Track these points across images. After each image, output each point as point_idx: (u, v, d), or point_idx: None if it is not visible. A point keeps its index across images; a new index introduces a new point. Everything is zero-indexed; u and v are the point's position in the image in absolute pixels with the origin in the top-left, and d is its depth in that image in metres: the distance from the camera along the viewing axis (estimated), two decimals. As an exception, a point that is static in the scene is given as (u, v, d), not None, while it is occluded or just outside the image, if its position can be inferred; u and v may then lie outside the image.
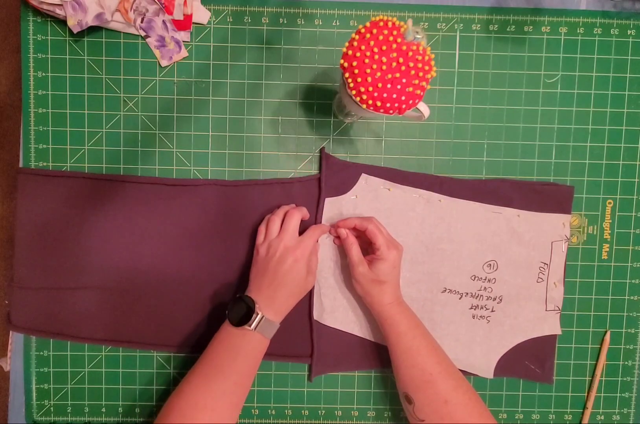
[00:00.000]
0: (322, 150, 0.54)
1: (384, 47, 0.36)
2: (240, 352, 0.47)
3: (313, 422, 0.57)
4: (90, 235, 0.54)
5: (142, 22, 0.52)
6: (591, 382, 0.57)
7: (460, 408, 0.45)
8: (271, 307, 0.48)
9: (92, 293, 0.54)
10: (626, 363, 0.57)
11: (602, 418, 0.57)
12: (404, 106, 0.39)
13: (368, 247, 0.52)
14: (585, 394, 0.57)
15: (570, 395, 0.57)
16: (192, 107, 0.54)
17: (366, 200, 0.55)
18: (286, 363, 0.56)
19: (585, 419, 0.57)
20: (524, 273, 0.55)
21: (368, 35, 0.37)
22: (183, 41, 0.53)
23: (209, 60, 0.54)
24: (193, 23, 0.53)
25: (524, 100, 0.55)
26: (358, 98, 0.38)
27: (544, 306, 0.55)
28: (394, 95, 0.37)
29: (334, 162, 0.54)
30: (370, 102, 0.38)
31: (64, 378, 0.55)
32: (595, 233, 0.57)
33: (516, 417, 0.57)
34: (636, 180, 0.56)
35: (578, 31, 0.55)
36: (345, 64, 0.38)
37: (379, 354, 0.55)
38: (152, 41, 0.53)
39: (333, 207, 0.54)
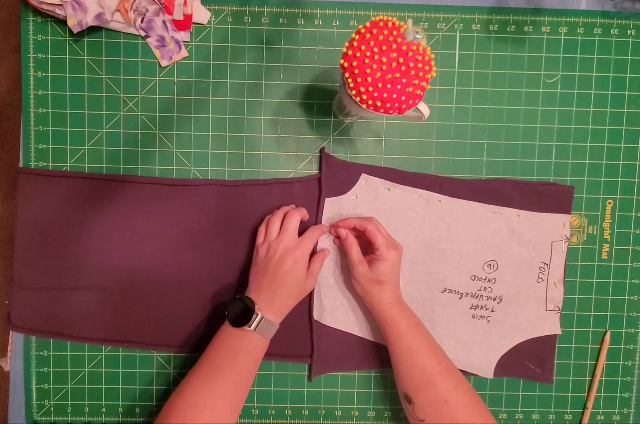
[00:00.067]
0: (322, 150, 0.54)
1: (384, 47, 0.36)
2: (240, 353, 0.47)
3: (313, 422, 0.57)
4: (90, 235, 0.54)
5: (142, 22, 0.52)
6: (591, 382, 0.57)
7: (460, 408, 0.45)
8: (271, 308, 0.48)
9: (92, 293, 0.54)
10: (626, 363, 0.57)
11: (602, 418, 0.57)
12: (404, 106, 0.39)
13: (368, 247, 0.51)
14: (585, 394, 0.57)
15: (570, 395, 0.57)
16: (192, 107, 0.54)
17: (366, 200, 0.55)
18: (286, 363, 0.56)
19: (585, 419, 0.57)
20: (524, 273, 0.55)
21: (368, 35, 0.37)
22: (183, 41, 0.53)
23: (209, 60, 0.54)
24: (193, 23, 0.53)
25: (524, 100, 0.55)
26: (358, 98, 0.38)
27: (544, 306, 0.55)
28: (394, 95, 0.37)
29: (334, 162, 0.54)
30: (370, 102, 0.38)
31: (64, 378, 0.55)
32: (595, 233, 0.57)
33: (516, 417, 0.57)
34: (636, 180, 0.56)
35: (578, 31, 0.55)
36: (345, 64, 0.38)
37: (379, 355, 0.55)
38: (152, 41, 0.53)
39: (333, 207, 0.54)
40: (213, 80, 0.54)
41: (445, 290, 0.55)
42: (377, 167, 0.55)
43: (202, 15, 0.53)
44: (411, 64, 0.37)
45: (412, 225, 0.55)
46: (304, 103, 0.55)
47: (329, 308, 0.55)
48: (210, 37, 0.54)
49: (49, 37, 0.53)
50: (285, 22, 0.54)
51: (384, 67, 0.36)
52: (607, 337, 0.57)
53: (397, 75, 0.37)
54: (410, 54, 0.37)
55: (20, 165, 0.54)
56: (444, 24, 0.55)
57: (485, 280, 0.55)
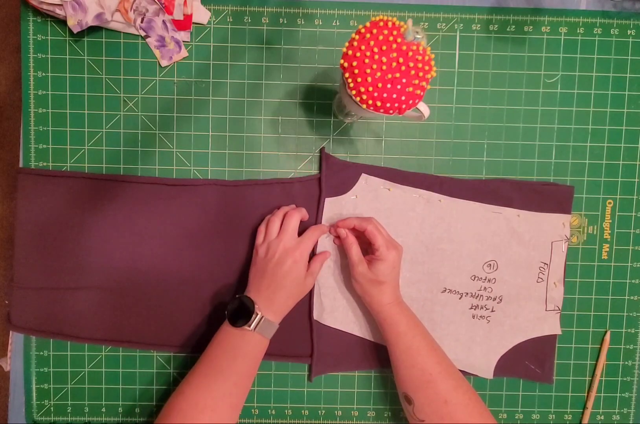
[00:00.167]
0: (322, 150, 0.54)
1: (384, 47, 0.36)
2: (240, 352, 0.47)
3: (313, 422, 0.57)
4: (90, 235, 0.54)
5: (142, 22, 0.52)
6: (591, 382, 0.57)
7: (460, 408, 0.45)
8: (270, 308, 0.48)
9: (92, 293, 0.54)
10: (626, 363, 0.57)
11: (602, 418, 0.57)
12: (404, 106, 0.39)
13: (368, 247, 0.51)
14: (585, 394, 0.57)
15: (570, 395, 0.57)
16: (192, 107, 0.54)
17: (366, 200, 0.55)
18: (286, 363, 0.56)
19: (585, 419, 0.57)
20: (524, 273, 0.55)
21: (368, 35, 0.37)
22: (183, 41, 0.53)
23: (209, 60, 0.54)
24: (193, 23, 0.53)
25: (524, 100, 0.55)
26: (358, 98, 0.38)
27: (544, 306, 0.55)
28: (394, 95, 0.37)
29: (334, 162, 0.54)
30: (370, 102, 0.38)
31: (64, 378, 0.55)
32: (595, 233, 0.57)
33: (516, 417, 0.57)
34: (636, 180, 0.56)
35: (578, 31, 0.55)
36: (345, 64, 0.38)
37: (378, 355, 0.55)
38: (152, 41, 0.53)
39: (333, 207, 0.54)
40: (213, 80, 0.54)
41: (445, 290, 0.55)
42: (377, 167, 0.55)
43: (202, 15, 0.53)
44: (411, 64, 0.37)
45: (412, 225, 0.55)
46: (304, 103, 0.55)
47: (329, 308, 0.55)
48: (210, 37, 0.54)
49: (49, 37, 0.53)
50: (285, 22, 0.54)
51: (384, 67, 0.36)
52: (607, 337, 0.57)
53: (397, 75, 0.37)
54: (410, 54, 0.37)
55: (20, 165, 0.54)
56: (444, 24, 0.55)
57: (485, 280, 0.55)
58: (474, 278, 0.55)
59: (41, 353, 0.55)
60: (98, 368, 0.55)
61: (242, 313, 0.47)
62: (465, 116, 0.55)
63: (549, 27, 0.55)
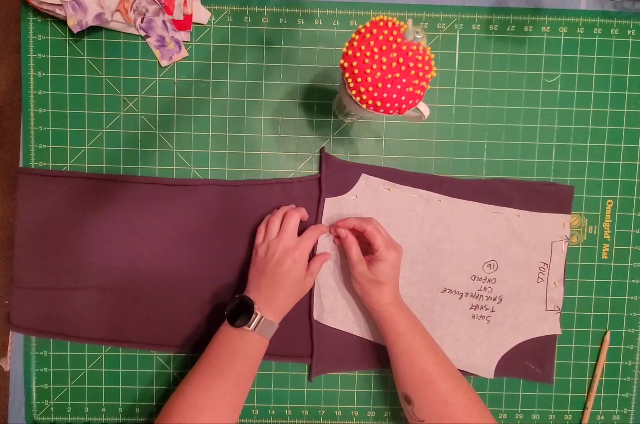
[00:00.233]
0: (322, 150, 0.54)
1: (384, 47, 0.36)
2: (240, 353, 0.47)
3: (313, 422, 0.57)
4: (90, 235, 0.54)
5: (142, 22, 0.52)
6: (591, 382, 0.57)
7: (460, 408, 0.45)
8: (270, 308, 0.48)
9: (92, 293, 0.54)
10: (626, 363, 0.57)
11: (602, 418, 0.57)
12: (404, 106, 0.39)
13: (368, 247, 0.51)
14: (585, 394, 0.57)
15: (570, 395, 0.57)
16: (192, 107, 0.54)
17: (366, 200, 0.55)
18: (286, 363, 0.56)
19: (585, 419, 0.57)
20: (524, 273, 0.55)
21: (368, 35, 0.37)
22: (183, 41, 0.53)
23: (209, 60, 0.54)
24: (193, 23, 0.53)
25: (524, 100, 0.55)
26: (358, 98, 0.38)
27: (544, 306, 0.55)
28: (394, 95, 0.37)
29: (334, 162, 0.54)
30: (370, 102, 0.38)
31: (64, 378, 0.55)
32: (595, 233, 0.57)
33: (516, 417, 0.57)
34: (636, 180, 0.56)
35: (578, 31, 0.55)
36: (345, 64, 0.38)
37: (378, 355, 0.55)
38: (152, 41, 0.53)
39: (333, 207, 0.54)
40: (213, 80, 0.54)
41: (445, 290, 0.55)
42: (377, 167, 0.55)
43: (202, 15, 0.53)
44: (411, 64, 0.37)
45: (412, 225, 0.55)
46: (304, 103, 0.55)
47: (328, 308, 0.55)
48: (210, 37, 0.54)
49: (49, 37, 0.53)
50: (285, 22, 0.54)
51: (384, 67, 0.36)
52: (607, 337, 0.57)
53: (397, 75, 0.37)
54: (410, 54, 0.37)
55: (20, 165, 0.54)
56: (444, 24, 0.55)
57: (485, 280, 0.55)
58: (474, 278, 0.55)
59: (41, 353, 0.55)
60: (98, 368, 0.55)
61: (241, 313, 0.47)
62: (465, 116, 0.55)
63: (549, 27, 0.55)
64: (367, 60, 0.36)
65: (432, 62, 0.38)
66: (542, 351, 0.56)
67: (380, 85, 0.37)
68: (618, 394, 0.57)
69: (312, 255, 0.53)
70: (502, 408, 0.57)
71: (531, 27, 0.55)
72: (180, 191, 0.54)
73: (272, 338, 0.49)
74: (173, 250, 0.54)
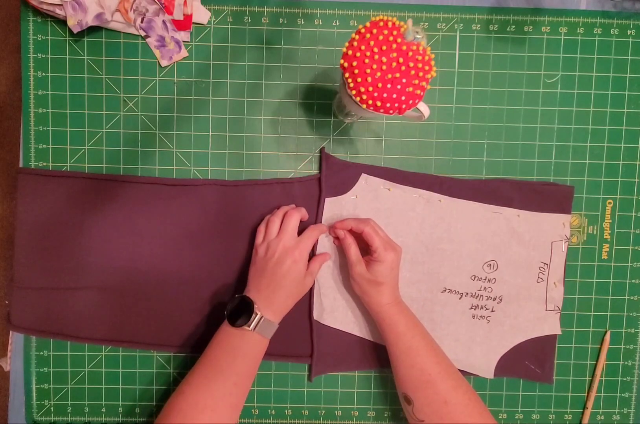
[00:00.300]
0: (322, 150, 0.54)
1: (384, 47, 0.36)
2: (240, 352, 0.47)
3: (313, 422, 0.57)
4: (90, 235, 0.54)
5: (142, 22, 0.52)
6: (591, 382, 0.57)
7: (460, 408, 0.45)
8: (270, 307, 0.48)
9: (92, 293, 0.54)
10: (626, 363, 0.57)
11: (602, 418, 0.57)
12: (404, 106, 0.39)
13: (367, 247, 0.51)
14: (585, 394, 0.57)
15: (570, 395, 0.57)
16: (192, 107, 0.54)
17: (366, 200, 0.55)
18: (286, 363, 0.56)
19: (585, 419, 0.57)
20: (524, 273, 0.55)
21: (368, 35, 0.37)
22: (183, 41, 0.53)
23: (209, 60, 0.54)
24: (193, 23, 0.53)
25: (524, 100, 0.55)
26: (358, 98, 0.38)
27: (544, 306, 0.55)
28: (394, 95, 0.37)
29: (334, 162, 0.54)
30: (370, 102, 0.38)
31: (64, 378, 0.55)
32: (595, 233, 0.57)
33: (516, 417, 0.57)
34: (636, 180, 0.56)
35: (578, 31, 0.55)
36: (345, 64, 0.38)
37: (378, 355, 0.55)
38: (152, 41, 0.53)
39: (333, 207, 0.54)
40: (213, 80, 0.54)
41: (445, 290, 0.55)
42: (377, 167, 0.55)
43: (202, 15, 0.53)
44: (411, 64, 0.37)
45: (412, 225, 0.55)
46: (304, 103, 0.55)
47: (328, 308, 0.55)
48: (210, 37, 0.54)
49: (49, 37, 0.53)
50: (285, 22, 0.54)
51: (384, 67, 0.36)
52: (607, 337, 0.57)
53: (397, 75, 0.37)
54: (410, 54, 0.37)
55: (20, 165, 0.54)
56: (444, 24, 0.55)
57: (485, 280, 0.55)
58: (474, 278, 0.55)
59: (41, 353, 0.55)
60: (98, 368, 0.55)
61: (241, 313, 0.47)
62: (465, 116, 0.55)
63: (549, 27, 0.55)
64: (367, 60, 0.36)
65: (432, 62, 0.38)
66: (542, 351, 0.56)
67: (380, 85, 0.37)
68: (618, 394, 0.57)
69: (312, 254, 0.53)
70: (502, 408, 0.57)
71: (531, 27, 0.55)
72: (180, 191, 0.54)
73: (272, 338, 0.49)
74: (173, 250, 0.54)
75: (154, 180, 0.54)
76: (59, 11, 0.50)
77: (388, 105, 0.38)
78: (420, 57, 0.37)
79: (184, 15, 0.52)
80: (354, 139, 0.55)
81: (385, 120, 0.55)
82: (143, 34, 0.53)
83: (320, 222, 0.54)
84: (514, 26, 0.55)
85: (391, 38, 0.36)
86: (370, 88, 0.37)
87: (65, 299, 0.54)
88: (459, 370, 0.49)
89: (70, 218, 0.53)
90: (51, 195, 0.53)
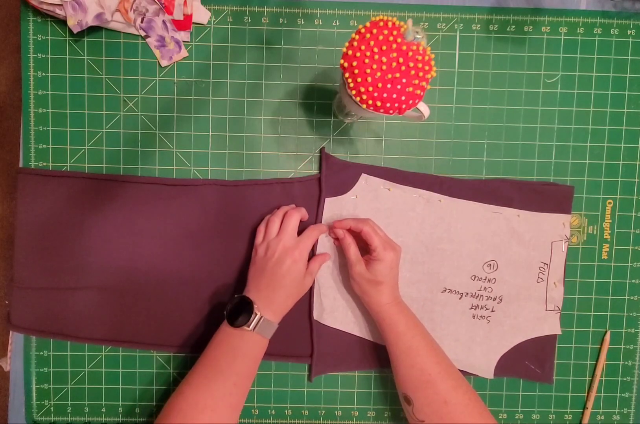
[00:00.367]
0: (322, 150, 0.54)
1: (384, 47, 0.36)
2: (239, 353, 0.47)
3: (313, 422, 0.57)
4: (90, 235, 0.54)
5: (142, 22, 0.52)
6: (591, 382, 0.57)
7: (460, 408, 0.45)
8: (270, 307, 0.48)
9: (92, 293, 0.54)
10: (626, 363, 0.57)
11: (602, 418, 0.57)
12: (404, 106, 0.39)
13: (366, 247, 0.51)
14: (585, 394, 0.57)
15: (570, 395, 0.57)
16: (192, 107, 0.54)
17: (366, 200, 0.55)
18: (286, 363, 0.56)
19: (585, 419, 0.57)
20: (524, 273, 0.55)
21: (368, 35, 0.37)
22: (183, 41, 0.53)
23: (209, 60, 0.54)
24: (193, 23, 0.53)
25: (524, 100, 0.55)
26: (358, 98, 0.38)
27: (544, 306, 0.55)
28: (394, 95, 0.37)
29: (334, 162, 0.54)
30: (370, 102, 0.38)
31: (64, 378, 0.55)
32: (595, 233, 0.57)
33: (516, 417, 0.57)
34: (636, 180, 0.56)
35: (578, 31, 0.55)
36: (345, 64, 0.38)
37: (378, 355, 0.55)
38: (152, 41, 0.53)
39: (333, 207, 0.54)
40: (213, 80, 0.54)
41: (445, 290, 0.55)
42: (377, 167, 0.55)
43: (202, 15, 0.53)
44: (411, 64, 0.37)
45: (412, 225, 0.55)
46: (304, 103, 0.55)
47: (328, 308, 0.55)
48: (210, 37, 0.54)
49: (49, 37, 0.53)
50: (285, 22, 0.54)
51: (384, 67, 0.36)
52: (607, 337, 0.57)
53: (397, 75, 0.37)
54: (410, 54, 0.37)
55: (20, 165, 0.54)
56: (444, 24, 0.55)
57: (485, 280, 0.55)
58: (474, 278, 0.55)
59: (41, 353, 0.55)
60: (98, 368, 0.55)
61: (241, 313, 0.47)
62: (465, 116, 0.55)
63: (549, 27, 0.55)
64: (367, 60, 0.36)
65: (432, 62, 0.38)
66: (542, 351, 0.56)
67: (380, 85, 0.37)
68: (618, 394, 0.57)
69: (312, 254, 0.53)
70: (502, 408, 0.57)
71: (531, 27, 0.55)
72: (180, 191, 0.54)
73: (272, 338, 0.49)
74: (173, 250, 0.54)
75: (154, 180, 0.54)
76: (59, 11, 0.50)
77: (388, 105, 0.38)
78: (420, 57, 0.37)
79: (184, 15, 0.52)
80: (354, 139, 0.55)
81: (385, 120, 0.55)
82: (143, 34, 0.53)
83: (320, 222, 0.54)
84: (514, 26, 0.55)
85: (391, 38, 0.36)
86: (370, 88, 0.37)
87: (65, 299, 0.54)
88: (459, 370, 0.49)
89: (70, 218, 0.53)
90: (51, 195, 0.53)
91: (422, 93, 0.39)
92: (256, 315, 0.47)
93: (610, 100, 0.56)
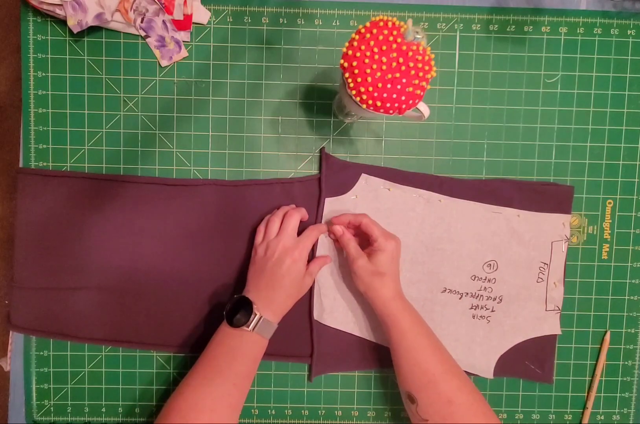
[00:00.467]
0: (322, 150, 0.54)
1: (384, 47, 0.36)
2: (239, 353, 0.47)
3: (313, 422, 0.57)
4: (90, 235, 0.54)
5: (142, 22, 0.52)
6: (591, 382, 0.57)
7: (464, 408, 0.45)
8: (269, 307, 0.48)
9: (92, 293, 0.54)
10: (626, 363, 0.57)
11: (602, 418, 0.57)
12: (404, 106, 0.39)
13: (365, 243, 0.51)
14: (585, 394, 0.57)
15: (570, 395, 0.57)
16: (192, 107, 0.54)
17: (366, 200, 0.55)
18: (286, 363, 0.56)
19: (585, 419, 0.57)
20: (524, 273, 0.55)
21: (368, 35, 0.37)
22: (183, 41, 0.53)
23: (209, 60, 0.54)
24: (193, 23, 0.53)
25: (524, 100, 0.55)
26: (358, 98, 0.38)
27: (544, 306, 0.55)
28: (394, 95, 0.37)
29: (334, 162, 0.54)
30: (370, 102, 0.38)
31: (64, 378, 0.55)
32: (595, 233, 0.57)
33: (516, 417, 0.57)
34: (636, 180, 0.56)
35: (578, 31, 0.55)
36: (345, 64, 0.38)
37: (378, 355, 0.55)
38: (152, 41, 0.53)
39: (333, 207, 0.54)
40: (213, 80, 0.54)
41: (445, 290, 0.55)
42: (377, 167, 0.55)
43: (202, 15, 0.53)
44: (411, 64, 0.37)
45: (412, 225, 0.55)
46: (304, 103, 0.55)
47: (328, 308, 0.55)
48: (210, 37, 0.54)
49: (49, 37, 0.53)
50: (285, 22, 0.54)
51: (384, 67, 0.36)
52: (607, 337, 0.57)
53: (397, 75, 0.37)
54: (410, 54, 0.37)
55: (20, 165, 0.54)
56: (444, 24, 0.55)
57: (485, 280, 0.55)
58: (474, 278, 0.55)
59: (41, 353, 0.55)
60: (98, 368, 0.55)
61: (240, 314, 0.47)
62: (465, 116, 0.55)
63: (549, 27, 0.55)
64: (367, 60, 0.36)
65: (432, 62, 0.38)
66: (542, 351, 0.56)
67: (380, 85, 0.37)
68: (618, 394, 0.57)
69: (312, 255, 0.53)
70: (502, 408, 0.57)
71: (531, 27, 0.55)
72: (180, 191, 0.54)
73: (272, 338, 0.49)
74: (173, 250, 0.54)
75: (154, 180, 0.54)
76: (59, 11, 0.50)
77: (388, 105, 0.38)
78: (420, 57, 0.37)
79: (184, 15, 0.52)
80: (354, 139, 0.55)
81: (385, 120, 0.55)
82: (143, 34, 0.53)
83: (320, 222, 0.54)
84: (514, 26, 0.55)
85: (391, 38, 0.36)
86: (370, 88, 0.37)
87: (65, 299, 0.54)
88: (460, 370, 0.49)
89: (70, 218, 0.53)
90: (51, 195, 0.53)
91: (422, 93, 0.39)
92: (256, 315, 0.46)
93: (610, 100, 0.56)
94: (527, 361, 0.56)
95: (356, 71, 0.37)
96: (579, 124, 0.56)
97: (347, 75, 0.38)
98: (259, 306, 0.47)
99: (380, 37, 0.36)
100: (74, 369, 0.55)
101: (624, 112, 0.56)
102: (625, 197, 0.56)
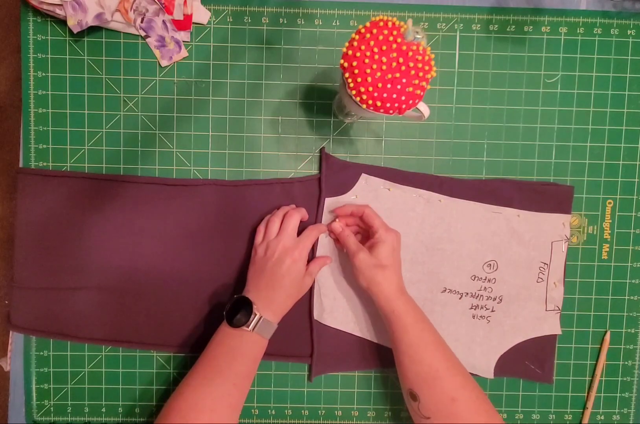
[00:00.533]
0: (322, 150, 0.54)
1: (384, 47, 0.36)
2: (239, 353, 0.47)
3: (313, 422, 0.57)
4: (90, 235, 0.54)
5: (142, 22, 0.52)
6: (591, 382, 0.57)
7: (467, 405, 0.44)
8: (269, 308, 0.48)
9: (92, 293, 0.54)
10: (626, 363, 0.57)
11: (602, 418, 0.57)
12: (404, 106, 0.39)
13: (364, 239, 0.52)
14: (585, 394, 0.57)
15: (570, 395, 0.57)
16: (192, 107, 0.54)
17: (366, 200, 0.55)
18: (286, 363, 0.56)
19: (585, 419, 0.57)
20: (524, 273, 0.55)
21: (368, 35, 0.37)
22: (183, 41, 0.53)
23: (209, 60, 0.54)
24: (193, 23, 0.53)
25: (524, 100, 0.55)
26: (358, 98, 0.38)
27: (544, 306, 0.55)
28: (394, 95, 0.37)
29: (334, 162, 0.54)
30: (370, 102, 0.38)
31: (64, 378, 0.55)
32: (595, 233, 0.57)
33: (516, 417, 0.57)
34: (636, 180, 0.56)
35: (578, 31, 0.55)
36: (345, 64, 0.38)
37: (378, 355, 0.55)
38: (152, 41, 0.53)
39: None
40: (213, 80, 0.54)
41: (445, 290, 0.55)
42: (377, 167, 0.55)
43: (202, 15, 0.53)
44: (411, 64, 0.37)
45: (412, 225, 0.55)
46: (304, 103, 0.55)
47: (328, 308, 0.55)
48: (210, 37, 0.54)
49: (49, 37, 0.53)
50: (285, 22, 0.54)
51: (384, 67, 0.36)
52: (607, 337, 0.57)
53: (397, 75, 0.37)
54: (410, 54, 0.37)
55: (20, 165, 0.54)
56: (444, 24, 0.55)
57: (485, 280, 0.55)
58: (474, 278, 0.55)
59: (41, 353, 0.55)
60: (98, 368, 0.55)
61: (240, 314, 0.47)
62: (465, 116, 0.55)
63: (549, 27, 0.55)
64: (367, 60, 0.36)
65: (432, 62, 0.38)
66: (542, 351, 0.56)
67: (380, 85, 0.37)
68: (618, 394, 0.57)
69: (312, 255, 0.53)
70: (502, 408, 0.57)
71: (531, 27, 0.55)
72: (180, 191, 0.54)
73: (272, 338, 0.49)
74: (173, 250, 0.54)
75: (154, 180, 0.54)
76: (59, 11, 0.50)
77: (388, 105, 0.38)
78: (420, 57, 0.37)
79: (184, 15, 0.52)
80: (354, 139, 0.55)
81: (385, 120, 0.55)
82: (143, 34, 0.53)
83: (320, 222, 0.54)
84: (514, 26, 0.55)
85: (391, 38, 0.36)
86: (370, 88, 0.37)
87: (65, 299, 0.54)
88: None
89: (70, 218, 0.53)
90: (51, 195, 0.53)
91: (422, 93, 0.39)
92: (256, 315, 0.46)
93: (610, 100, 0.56)
94: (527, 361, 0.56)
95: (356, 71, 0.37)
96: (579, 124, 0.56)
97: (347, 75, 0.38)
98: (259, 306, 0.47)
99: (380, 37, 0.36)
100: (74, 369, 0.55)
101: (624, 112, 0.56)
102: (625, 197, 0.56)
